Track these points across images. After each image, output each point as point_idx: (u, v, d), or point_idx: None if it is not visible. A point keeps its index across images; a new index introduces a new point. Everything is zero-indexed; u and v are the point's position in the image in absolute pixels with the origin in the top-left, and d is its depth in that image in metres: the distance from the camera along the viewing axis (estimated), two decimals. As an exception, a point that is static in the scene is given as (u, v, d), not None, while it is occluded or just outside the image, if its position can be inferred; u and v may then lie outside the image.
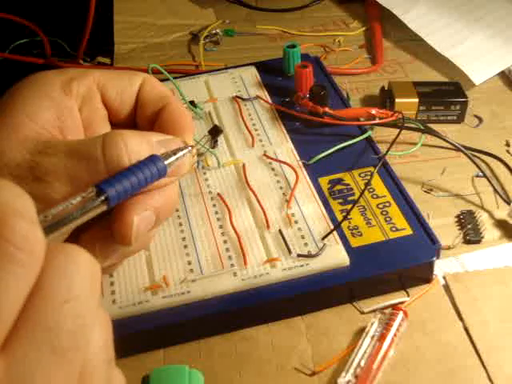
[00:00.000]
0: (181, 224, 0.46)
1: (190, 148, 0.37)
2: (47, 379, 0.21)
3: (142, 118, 0.41)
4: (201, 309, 0.41)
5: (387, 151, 0.51)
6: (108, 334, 0.25)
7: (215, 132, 0.50)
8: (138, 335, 0.41)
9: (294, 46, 0.62)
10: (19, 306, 0.21)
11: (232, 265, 0.43)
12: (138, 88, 0.41)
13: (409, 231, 0.45)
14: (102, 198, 0.31)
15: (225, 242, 0.45)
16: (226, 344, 0.42)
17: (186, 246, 0.45)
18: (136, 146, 0.34)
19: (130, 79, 0.41)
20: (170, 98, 0.41)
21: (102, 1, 0.73)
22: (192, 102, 0.57)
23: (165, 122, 0.39)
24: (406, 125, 0.55)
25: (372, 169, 0.51)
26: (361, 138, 0.53)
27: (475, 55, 0.71)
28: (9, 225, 0.20)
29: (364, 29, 0.80)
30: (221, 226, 0.46)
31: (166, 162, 0.35)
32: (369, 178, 0.50)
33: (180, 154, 0.36)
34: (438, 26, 0.76)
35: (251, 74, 0.63)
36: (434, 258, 0.44)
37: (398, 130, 0.53)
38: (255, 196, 0.48)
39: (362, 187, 0.49)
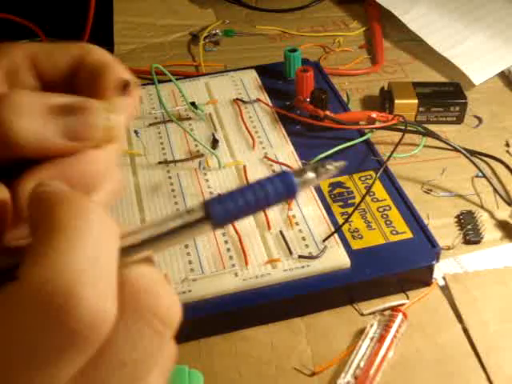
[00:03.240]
0: (181, 224, 0.46)
1: (336, 166, 0.28)
2: None
3: (81, 89, 0.32)
4: (201, 309, 0.42)
5: (388, 158, 0.51)
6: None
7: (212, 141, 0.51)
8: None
9: (295, 50, 0.62)
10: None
11: (233, 265, 0.43)
12: (76, 58, 0.33)
13: (409, 235, 0.46)
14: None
15: (226, 242, 0.45)
16: (225, 344, 0.42)
17: (186, 246, 0.45)
18: (28, 107, 0.28)
19: (67, 49, 0.35)
20: (111, 63, 0.33)
21: (101, 1, 0.73)
22: (193, 104, 0.57)
23: (84, 77, 0.32)
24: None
25: (372, 173, 0.51)
26: (360, 139, 0.54)
27: (475, 55, 0.71)
28: (71, 308, 0.17)
29: (364, 29, 0.81)
30: (221, 227, 0.46)
31: (300, 180, 0.27)
32: (369, 181, 0.50)
33: (321, 171, 0.27)
34: (438, 27, 0.76)
35: (251, 77, 0.63)
36: (434, 262, 0.44)
37: (400, 133, 0.53)
38: (256, 197, 0.48)
39: (363, 191, 0.49)
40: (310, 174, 0.27)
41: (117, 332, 0.19)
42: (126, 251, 0.22)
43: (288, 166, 0.51)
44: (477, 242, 0.50)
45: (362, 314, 0.44)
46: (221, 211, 0.25)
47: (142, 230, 0.23)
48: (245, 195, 0.26)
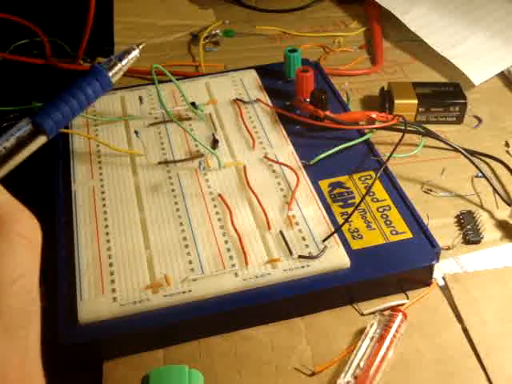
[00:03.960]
0: (181, 224, 0.47)
1: (140, 45, 0.32)
2: (2, 359, 0.22)
3: None
4: (201, 308, 0.42)
5: (388, 158, 0.51)
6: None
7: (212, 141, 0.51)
8: (138, 335, 0.41)
9: (295, 51, 0.62)
10: None
11: (233, 265, 0.43)
12: None
13: (409, 235, 0.46)
14: (40, 132, 0.28)
15: (226, 242, 0.45)
16: (225, 344, 0.42)
17: (186, 246, 0.45)
18: None
19: None
20: None
21: (102, 1, 0.73)
22: (193, 104, 0.57)
23: None
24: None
25: (372, 173, 0.51)
26: (360, 139, 0.54)
27: (475, 56, 0.71)
28: None
29: (364, 29, 0.81)
30: (222, 227, 0.46)
31: (111, 73, 0.31)
32: (369, 181, 0.50)
33: (127, 58, 0.31)
34: (438, 27, 0.76)
35: (251, 78, 0.63)
36: (434, 262, 0.44)
37: (400, 134, 0.53)
38: (256, 197, 0.48)
39: (362, 191, 0.49)
40: (119, 65, 0.31)
41: None
42: None
43: (288, 166, 0.51)
44: (476, 242, 0.50)
45: (362, 314, 0.44)
46: (52, 124, 0.28)
47: None
48: (69, 103, 0.28)
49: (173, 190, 0.49)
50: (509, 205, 0.52)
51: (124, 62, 0.31)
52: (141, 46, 0.32)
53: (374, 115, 0.56)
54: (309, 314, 0.44)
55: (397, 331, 0.41)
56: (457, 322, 0.43)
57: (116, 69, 0.31)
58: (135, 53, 0.32)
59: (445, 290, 0.46)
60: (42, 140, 0.28)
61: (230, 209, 0.47)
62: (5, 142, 0.27)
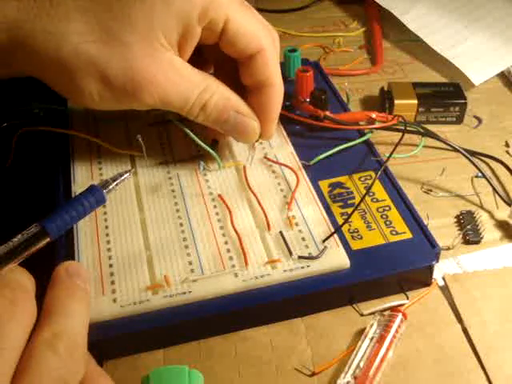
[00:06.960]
0: (181, 224, 0.47)
1: (131, 171, 0.42)
2: None
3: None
4: (201, 309, 0.42)
5: (388, 158, 0.51)
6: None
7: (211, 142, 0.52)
8: (138, 335, 0.41)
9: (294, 51, 0.62)
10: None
11: (233, 265, 0.43)
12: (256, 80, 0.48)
13: (408, 235, 0.46)
14: (44, 233, 0.36)
15: (226, 242, 0.45)
16: (225, 344, 0.42)
17: (186, 246, 0.45)
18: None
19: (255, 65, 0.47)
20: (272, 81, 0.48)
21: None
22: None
23: (257, 104, 0.49)
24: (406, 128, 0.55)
25: (372, 173, 0.51)
26: (360, 140, 0.54)
27: (475, 56, 0.71)
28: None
29: (363, 29, 0.81)
30: (221, 227, 0.46)
31: (106, 191, 0.39)
32: (369, 181, 0.50)
33: (119, 179, 0.41)
34: (438, 27, 0.76)
35: (251, 77, 0.63)
36: (434, 262, 0.44)
37: (399, 134, 0.53)
38: (256, 197, 0.48)
39: (362, 191, 0.49)
40: (113, 184, 0.40)
41: None
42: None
43: (288, 166, 0.51)
44: (476, 242, 0.50)
45: (361, 315, 0.44)
46: (54, 228, 0.36)
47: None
48: (69, 212, 0.37)
49: (173, 191, 0.49)
50: (509, 205, 0.52)
51: (116, 183, 0.40)
52: (132, 171, 0.43)
53: (373, 115, 0.56)
54: (309, 315, 0.44)
55: (397, 331, 0.41)
56: (457, 322, 0.43)
57: (109, 188, 0.40)
58: (126, 175, 0.41)
59: (445, 290, 0.46)
60: (46, 240, 0.36)
61: (229, 209, 0.47)
62: (18, 237, 0.35)
